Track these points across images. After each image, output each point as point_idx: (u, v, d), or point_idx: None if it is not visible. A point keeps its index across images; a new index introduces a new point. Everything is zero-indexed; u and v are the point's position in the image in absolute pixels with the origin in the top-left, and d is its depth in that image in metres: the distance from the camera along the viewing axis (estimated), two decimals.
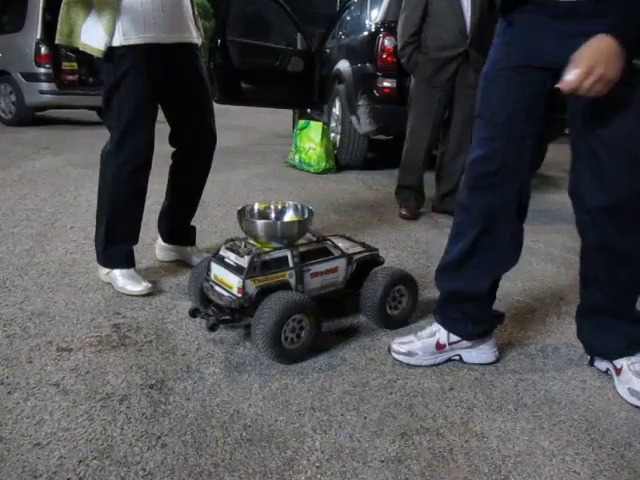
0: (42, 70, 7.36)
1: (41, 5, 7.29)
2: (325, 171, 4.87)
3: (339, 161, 5.11)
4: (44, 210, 3.24)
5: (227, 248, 1.78)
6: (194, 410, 1.39)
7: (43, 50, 7.31)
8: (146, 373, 1.55)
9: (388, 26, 4.56)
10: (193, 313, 1.77)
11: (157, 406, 1.40)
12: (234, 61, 5.86)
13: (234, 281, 1.68)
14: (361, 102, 4.69)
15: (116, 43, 1.88)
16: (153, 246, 2.44)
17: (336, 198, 4.00)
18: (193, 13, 2.13)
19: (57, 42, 1.96)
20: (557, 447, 1.35)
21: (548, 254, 3.00)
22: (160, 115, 2.13)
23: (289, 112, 8.14)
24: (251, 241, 1.81)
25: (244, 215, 1.88)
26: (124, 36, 1.88)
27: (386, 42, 4.56)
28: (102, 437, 1.28)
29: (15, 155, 5.19)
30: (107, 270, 2.09)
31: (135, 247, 2.16)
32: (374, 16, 5.07)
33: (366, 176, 4.93)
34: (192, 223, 2.39)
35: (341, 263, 1.90)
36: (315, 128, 4.95)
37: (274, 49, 6.62)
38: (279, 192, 4.06)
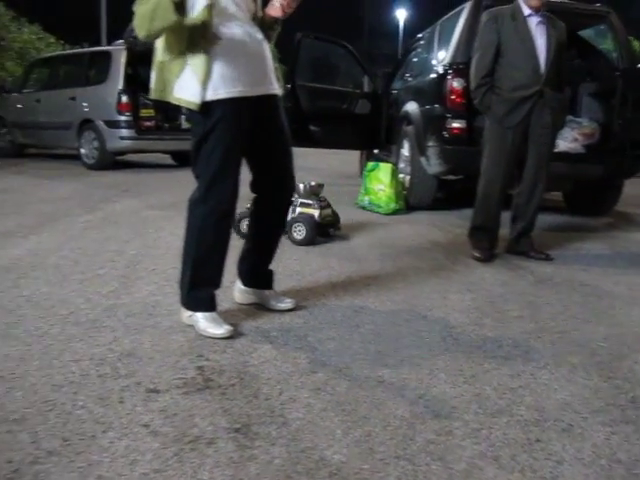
0: (123, 118, 7.82)
1: (123, 59, 7.80)
2: (395, 212, 4.89)
3: (408, 202, 5.12)
4: (126, 252, 3.39)
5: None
6: (280, 456, 1.41)
7: (124, 99, 7.77)
8: (231, 417, 1.58)
9: (457, 67, 4.59)
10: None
11: (243, 450, 1.43)
12: (303, 105, 6.04)
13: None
14: (431, 143, 4.72)
15: (207, 97, 2.00)
16: (231, 288, 2.50)
17: (407, 240, 4.00)
18: (274, 64, 2.23)
19: (153, 97, 2.10)
20: None
21: (631, 297, 2.88)
22: None
23: (355, 152, 8.25)
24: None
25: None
26: (214, 91, 2.00)
27: (455, 84, 4.59)
28: None
29: (98, 198, 5.48)
30: (190, 313, 2.16)
31: None
32: (442, 57, 5.12)
33: (436, 217, 4.91)
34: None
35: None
36: (384, 170, 5.00)
37: (341, 92, 6.78)
38: (351, 233, 4.10)
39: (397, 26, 36.40)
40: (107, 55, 8.22)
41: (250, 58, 2.09)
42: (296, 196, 3.67)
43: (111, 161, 8.15)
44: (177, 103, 2.05)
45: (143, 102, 8.12)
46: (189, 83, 2.00)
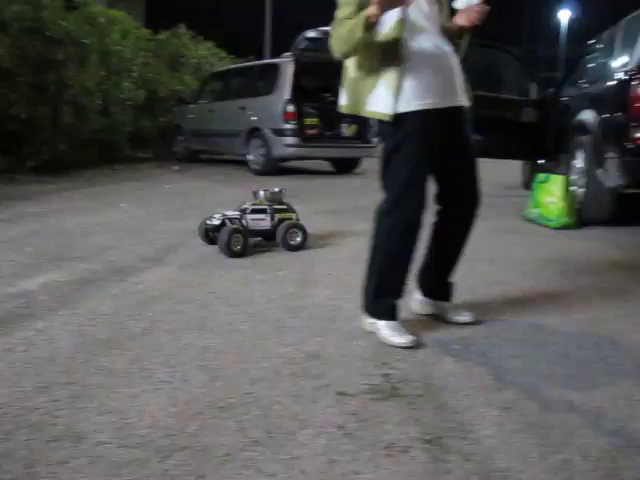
0: (288, 126, 8.22)
1: (290, 71, 8.20)
2: (566, 226, 4.64)
3: (581, 216, 4.83)
4: (300, 256, 3.56)
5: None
6: (475, 473, 1.40)
7: (290, 108, 8.16)
8: (421, 427, 1.60)
9: None
10: None
11: (437, 463, 1.44)
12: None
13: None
14: (610, 154, 4.42)
15: (399, 109, 2.05)
16: (409, 298, 2.52)
17: (581, 257, 3.77)
18: (463, 76, 2.23)
19: (344, 112, 2.21)
20: None
21: None
22: None
23: (515, 162, 7.92)
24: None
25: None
26: (406, 102, 2.05)
27: None
28: None
29: None
30: (372, 320, 2.22)
31: None
32: (625, 62, 4.78)
33: (612, 233, 4.58)
34: None
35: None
36: (556, 181, 4.76)
37: (506, 100, 6.56)
38: (521, 248, 3.96)
39: (558, 28, 34.46)
40: (275, 67, 8.69)
41: (439, 71, 2.12)
42: (268, 204, 3.84)
43: (275, 167, 8.58)
44: (370, 116, 2.14)
45: (307, 111, 8.46)
46: (382, 96, 2.07)
